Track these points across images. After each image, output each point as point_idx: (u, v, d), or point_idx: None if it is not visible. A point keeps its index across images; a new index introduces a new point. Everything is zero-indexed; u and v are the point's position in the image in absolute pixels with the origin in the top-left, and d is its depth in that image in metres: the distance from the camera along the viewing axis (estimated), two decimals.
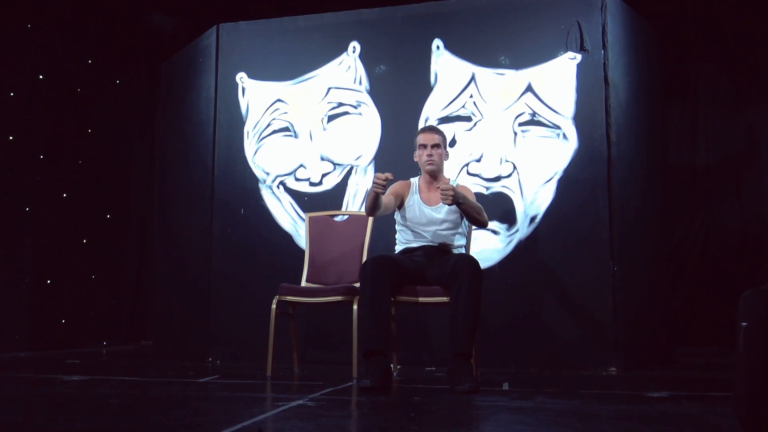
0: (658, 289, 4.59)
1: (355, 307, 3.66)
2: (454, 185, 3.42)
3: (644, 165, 4.48)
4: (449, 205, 3.34)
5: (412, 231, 3.64)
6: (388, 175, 3.29)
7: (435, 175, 3.67)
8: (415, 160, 3.74)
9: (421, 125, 4.45)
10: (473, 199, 3.56)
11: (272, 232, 4.67)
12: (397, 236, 3.76)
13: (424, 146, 3.64)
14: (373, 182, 3.28)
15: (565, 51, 4.26)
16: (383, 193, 3.36)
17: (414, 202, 3.65)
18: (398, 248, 3.70)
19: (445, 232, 3.61)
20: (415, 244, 3.62)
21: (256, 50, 4.86)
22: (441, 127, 4.26)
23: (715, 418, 2.40)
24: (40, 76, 5.67)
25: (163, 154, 5.65)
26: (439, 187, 3.40)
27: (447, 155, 3.75)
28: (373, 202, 3.37)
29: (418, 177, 3.77)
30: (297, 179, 4.70)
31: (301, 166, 4.70)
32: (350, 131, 4.63)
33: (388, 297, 3.30)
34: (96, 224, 6.08)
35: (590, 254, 4.08)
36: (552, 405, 2.69)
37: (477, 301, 3.21)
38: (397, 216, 3.73)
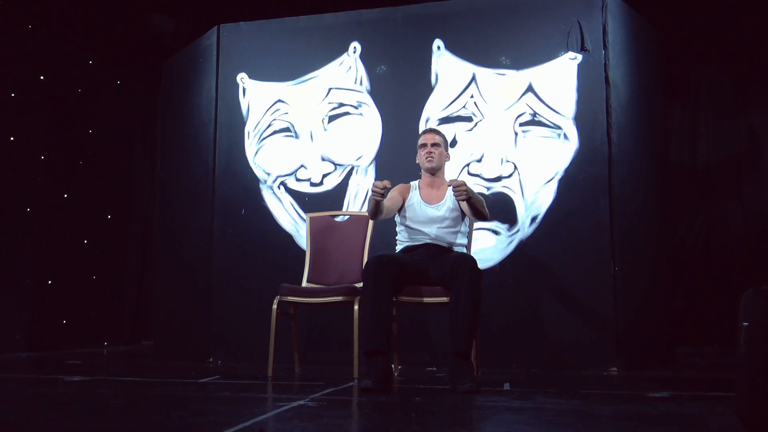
0: (659, 289, 4.59)
1: (356, 307, 3.66)
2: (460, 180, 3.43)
3: (645, 165, 4.48)
4: (463, 200, 3.34)
5: (412, 230, 3.64)
6: (386, 182, 3.32)
7: (434, 174, 3.70)
8: (417, 161, 3.76)
9: (421, 126, 4.46)
10: (474, 192, 3.59)
11: (273, 232, 4.67)
12: (397, 236, 3.76)
13: (425, 145, 3.69)
14: (372, 191, 3.29)
15: (566, 51, 4.26)
16: (382, 200, 3.37)
17: (414, 200, 3.67)
18: (399, 248, 3.70)
19: (445, 231, 3.61)
20: (415, 243, 3.62)
21: (257, 51, 4.86)
22: (442, 127, 4.27)
23: (716, 418, 2.40)
24: (41, 77, 5.67)
25: (164, 154, 5.66)
26: (449, 185, 3.41)
27: (448, 156, 3.79)
28: (375, 209, 3.42)
29: (417, 180, 3.79)
30: (298, 179, 4.70)
31: (301, 166, 4.70)
32: (351, 131, 4.63)
33: (389, 296, 3.31)
34: (97, 225, 6.08)
35: (591, 254, 4.08)
36: (553, 405, 2.69)
37: (476, 300, 3.22)
38: (398, 217, 3.74)
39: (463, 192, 3.27)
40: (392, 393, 3.08)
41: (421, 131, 4.05)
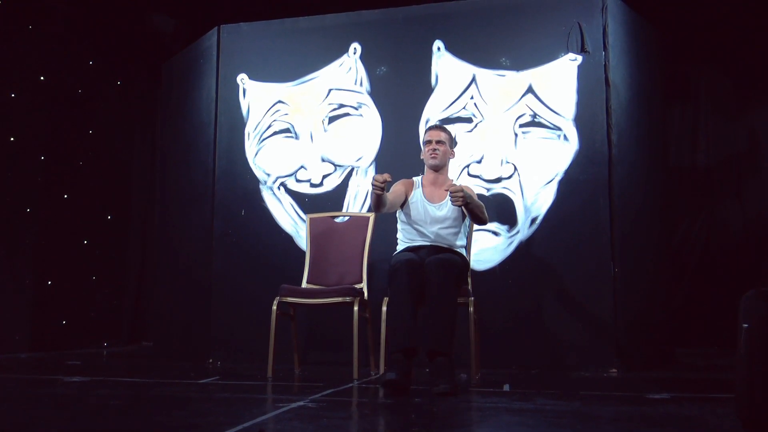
0: (659, 290, 4.59)
1: (355, 308, 3.66)
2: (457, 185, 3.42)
3: (645, 166, 4.48)
4: (459, 206, 3.34)
5: (414, 229, 3.64)
6: (386, 176, 3.28)
7: (438, 171, 3.68)
8: (422, 158, 3.75)
9: (422, 126, 4.46)
10: (475, 197, 3.58)
11: (273, 233, 4.67)
12: (398, 235, 3.75)
13: (429, 142, 3.67)
14: (372, 185, 3.28)
15: (566, 52, 4.26)
16: (383, 194, 3.35)
17: (417, 198, 3.65)
18: (400, 247, 3.69)
19: (446, 231, 3.60)
20: (417, 243, 3.61)
21: (257, 51, 4.86)
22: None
23: (716, 420, 2.40)
24: (41, 78, 5.67)
25: (164, 155, 5.66)
26: (447, 190, 3.39)
27: (453, 154, 3.77)
28: (377, 202, 3.38)
29: (420, 176, 3.78)
30: (298, 180, 4.70)
31: (301, 167, 4.70)
32: (351, 132, 4.63)
33: (419, 299, 3.30)
34: (97, 225, 6.07)
35: (591, 255, 4.08)
36: (553, 406, 2.69)
37: (448, 300, 3.21)
38: (400, 214, 3.72)
39: (459, 198, 3.26)
40: (408, 393, 3.06)
41: (427, 127, 4.03)
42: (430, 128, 3.76)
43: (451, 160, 3.77)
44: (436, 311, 3.18)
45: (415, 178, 3.77)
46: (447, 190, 3.38)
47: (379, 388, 3.13)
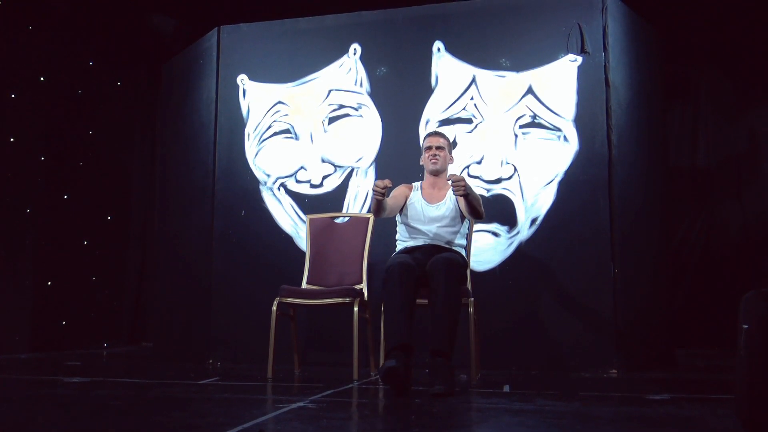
0: (659, 291, 4.59)
1: (355, 309, 3.67)
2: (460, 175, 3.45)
3: (645, 167, 4.48)
4: (461, 195, 3.34)
5: (412, 228, 3.65)
6: (387, 182, 3.32)
7: (437, 176, 3.72)
8: (421, 163, 3.78)
9: (422, 127, 4.47)
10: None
11: (273, 233, 4.67)
12: (397, 236, 3.76)
13: (430, 148, 3.72)
14: (373, 190, 3.31)
15: (566, 53, 4.26)
16: (383, 199, 3.38)
17: (416, 199, 3.70)
18: (399, 247, 3.71)
19: (444, 230, 3.62)
20: (414, 243, 3.62)
21: (257, 52, 4.86)
22: (442, 129, 4.27)
23: (716, 421, 2.40)
24: (41, 78, 5.67)
25: (164, 155, 5.66)
26: (448, 180, 3.42)
27: (452, 159, 3.82)
28: (377, 207, 3.44)
29: (420, 181, 3.81)
30: (298, 181, 4.70)
31: (301, 168, 4.71)
32: (351, 133, 4.63)
33: (414, 299, 3.31)
34: (97, 226, 6.08)
35: (591, 256, 4.08)
36: (552, 407, 2.69)
37: (453, 300, 3.22)
38: (398, 215, 3.74)
39: (461, 187, 3.28)
40: (408, 390, 3.05)
41: (426, 133, 4.05)
42: (430, 134, 3.80)
43: (450, 165, 3.81)
44: (440, 311, 3.18)
45: (414, 183, 3.81)
46: (449, 180, 3.41)
47: (379, 380, 3.11)
